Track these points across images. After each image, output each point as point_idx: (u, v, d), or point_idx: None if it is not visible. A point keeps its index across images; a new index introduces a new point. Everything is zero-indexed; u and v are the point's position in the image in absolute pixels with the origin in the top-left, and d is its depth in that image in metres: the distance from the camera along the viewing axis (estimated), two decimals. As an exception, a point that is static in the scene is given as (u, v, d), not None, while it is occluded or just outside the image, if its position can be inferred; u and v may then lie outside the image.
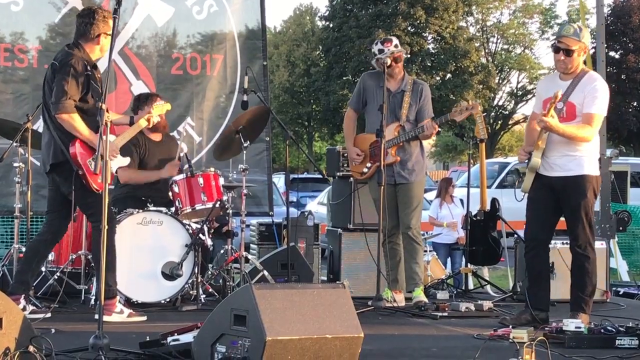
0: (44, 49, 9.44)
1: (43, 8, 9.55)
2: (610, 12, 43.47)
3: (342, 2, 44.96)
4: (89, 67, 7.01)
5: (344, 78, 43.07)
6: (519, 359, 5.18)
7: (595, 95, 7.08)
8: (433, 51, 45.09)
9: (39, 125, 9.16)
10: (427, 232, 13.14)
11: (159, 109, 7.83)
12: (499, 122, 47.91)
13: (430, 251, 11.87)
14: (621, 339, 6.21)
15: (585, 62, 7.38)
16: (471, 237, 9.69)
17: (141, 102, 8.54)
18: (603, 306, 8.59)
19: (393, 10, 42.96)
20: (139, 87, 9.58)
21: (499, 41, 48.21)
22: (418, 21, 43.35)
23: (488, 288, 9.74)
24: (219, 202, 8.10)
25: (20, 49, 9.47)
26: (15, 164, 8.20)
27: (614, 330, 6.33)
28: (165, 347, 5.48)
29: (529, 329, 6.48)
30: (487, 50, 47.73)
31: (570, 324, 6.34)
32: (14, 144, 8.15)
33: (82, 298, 7.91)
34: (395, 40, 8.42)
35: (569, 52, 7.09)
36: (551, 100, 6.94)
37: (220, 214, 8.52)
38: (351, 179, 8.99)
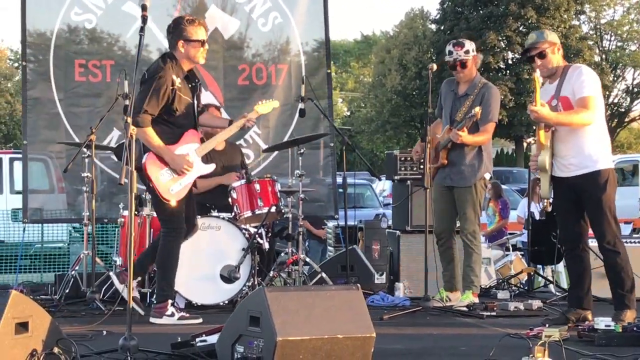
0: (116, 64, 9.77)
1: (115, 24, 9.93)
2: None
3: (453, 5, 44.72)
4: (177, 79, 7.24)
5: (456, 80, 42.87)
6: (531, 357, 5.17)
7: (582, 79, 7.05)
8: (545, 51, 44.44)
9: (111, 138, 9.59)
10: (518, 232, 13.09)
11: (266, 108, 7.98)
12: (615, 120, 46.89)
13: (515, 250, 11.83)
14: (652, 338, 6.12)
15: None
16: (534, 237, 9.63)
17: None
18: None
19: (504, 11, 42.55)
20: (207, 98, 9.78)
21: (612, 39, 47.21)
22: (529, 21, 42.77)
23: (551, 287, 9.67)
24: (274, 207, 8.27)
25: (94, 65, 9.82)
26: (84, 174, 8.51)
27: (646, 328, 6.25)
28: (193, 348, 5.66)
29: (562, 327, 6.45)
30: (600, 48, 46.80)
31: (601, 323, 6.28)
32: (84, 154, 8.47)
33: (147, 301, 8.16)
34: (468, 46, 8.27)
35: (541, 54, 7.14)
36: (534, 88, 6.97)
37: (278, 219, 8.70)
38: (408, 182, 9.05)
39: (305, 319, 5.12)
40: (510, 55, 44.90)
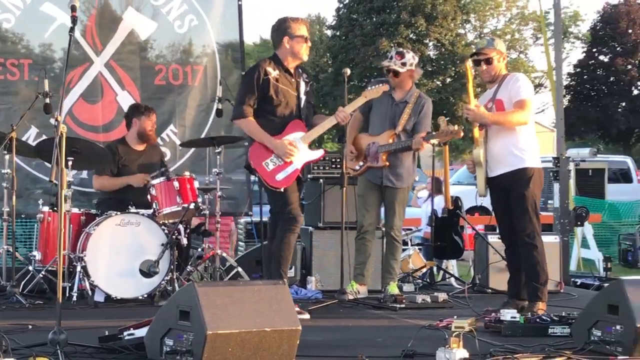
0: (34, 63, 9.50)
1: (33, 24, 9.61)
2: (599, 18, 43.58)
3: (348, 12, 44.98)
4: (271, 72, 7.15)
5: (351, 83, 43.05)
6: (447, 347, 5.19)
7: (519, 85, 7.25)
8: (434, 57, 45.08)
9: (28, 135, 9.31)
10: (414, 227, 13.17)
11: (374, 92, 7.74)
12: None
13: (413, 245, 11.92)
14: (554, 328, 6.22)
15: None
16: (436, 233, 9.71)
17: (135, 113, 8.70)
18: (556, 296, 8.57)
19: (396, 19, 42.99)
20: (124, 97, 9.63)
21: (495, 47, 48.07)
22: (419, 29, 43.34)
23: (452, 280, 9.76)
24: (193, 204, 8.14)
25: (12, 63, 9.51)
26: (4, 171, 8.23)
27: (548, 319, 6.34)
28: (121, 341, 5.52)
29: (471, 319, 6.48)
30: (484, 56, 47.56)
31: (507, 314, 6.36)
32: (4, 152, 8.19)
33: (67, 295, 7.92)
34: (408, 59, 8.28)
35: (488, 60, 7.32)
36: (466, 79, 7.26)
37: (195, 215, 8.58)
38: (321, 180, 9.04)
39: (234, 313, 5.04)
40: (401, 60, 45.31)
